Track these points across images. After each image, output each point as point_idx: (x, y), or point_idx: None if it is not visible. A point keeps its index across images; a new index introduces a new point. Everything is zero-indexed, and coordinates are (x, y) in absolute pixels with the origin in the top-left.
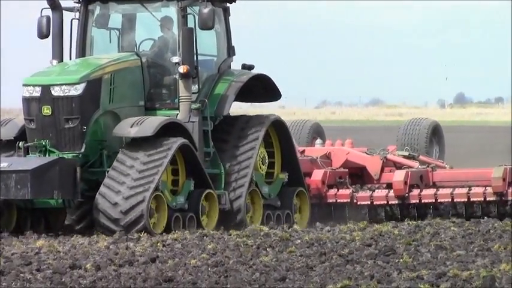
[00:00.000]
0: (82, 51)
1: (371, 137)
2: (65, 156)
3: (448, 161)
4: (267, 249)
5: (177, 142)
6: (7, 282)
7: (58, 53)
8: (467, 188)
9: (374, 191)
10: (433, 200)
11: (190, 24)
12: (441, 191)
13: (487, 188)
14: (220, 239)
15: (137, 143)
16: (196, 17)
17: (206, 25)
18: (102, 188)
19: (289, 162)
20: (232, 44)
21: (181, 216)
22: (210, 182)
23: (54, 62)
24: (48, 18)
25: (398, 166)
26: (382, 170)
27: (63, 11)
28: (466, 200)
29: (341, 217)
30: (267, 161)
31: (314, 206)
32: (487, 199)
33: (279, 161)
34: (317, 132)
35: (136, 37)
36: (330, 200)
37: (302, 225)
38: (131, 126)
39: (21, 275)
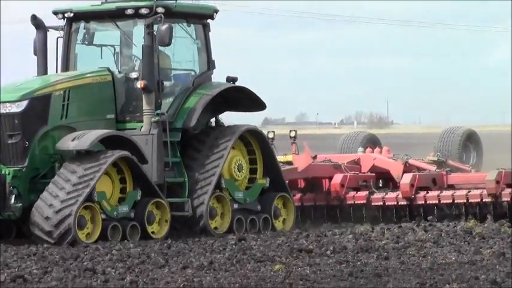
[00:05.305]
0: (66, 67)
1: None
2: (10, 170)
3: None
4: None
5: (113, 156)
6: None
7: (42, 69)
8: (467, 190)
9: (387, 193)
10: (437, 202)
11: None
12: (444, 193)
13: (483, 190)
14: None
15: (79, 156)
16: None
17: (163, 42)
18: (38, 201)
19: (271, 169)
20: (212, 58)
21: (121, 225)
22: (158, 191)
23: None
24: None
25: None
26: (404, 174)
27: (50, 30)
28: (465, 201)
29: (359, 217)
30: (243, 168)
31: (335, 207)
32: (484, 200)
33: (261, 167)
34: (372, 142)
35: (132, 54)
36: (349, 202)
37: (285, 228)
38: (72, 140)
39: None
